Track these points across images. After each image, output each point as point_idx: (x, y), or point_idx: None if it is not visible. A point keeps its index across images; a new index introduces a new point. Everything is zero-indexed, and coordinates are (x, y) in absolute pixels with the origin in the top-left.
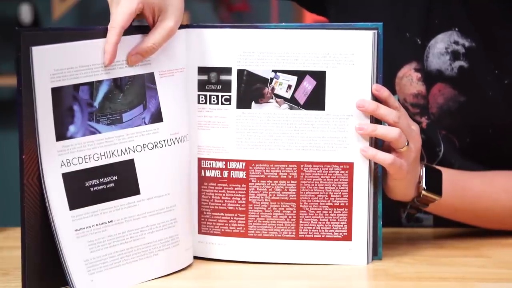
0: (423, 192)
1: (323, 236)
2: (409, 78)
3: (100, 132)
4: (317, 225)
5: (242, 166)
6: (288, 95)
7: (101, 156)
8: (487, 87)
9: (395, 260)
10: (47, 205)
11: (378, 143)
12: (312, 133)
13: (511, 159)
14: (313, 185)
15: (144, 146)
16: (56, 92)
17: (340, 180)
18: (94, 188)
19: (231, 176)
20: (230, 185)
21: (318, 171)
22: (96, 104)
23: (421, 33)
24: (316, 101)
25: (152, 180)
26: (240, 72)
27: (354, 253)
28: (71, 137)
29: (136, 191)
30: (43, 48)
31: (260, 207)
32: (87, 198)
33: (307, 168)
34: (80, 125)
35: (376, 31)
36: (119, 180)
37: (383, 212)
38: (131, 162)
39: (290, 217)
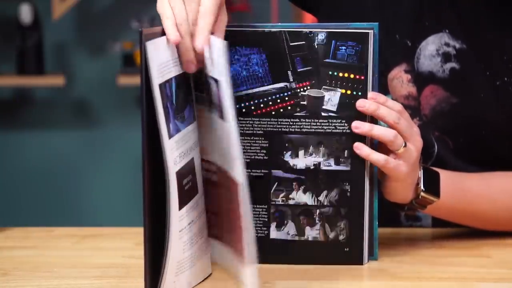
0: (422, 193)
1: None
2: (400, 79)
3: (180, 130)
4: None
5: None
6: None
7: (183, 154)
8: (479, 88)
9: (394, 260)
10: (168, 205)
11: (374, 143)
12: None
13: (505, 159)
14: None
15: (195, 144)
16: (161, 88)
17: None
18: (185, 188)
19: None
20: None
21: None
22: (174, 101)
23: (411, 35)
24: None
25: (199, 179)
26: None
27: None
28: (172, 135)
29: (196, 190)
30: (153, 42)
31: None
32: (184, 197)
33: None
34: (172, 122)
35: (372, 31)
36: (192, 179)
37: (381, 212)
38: (192, 161)
39: None
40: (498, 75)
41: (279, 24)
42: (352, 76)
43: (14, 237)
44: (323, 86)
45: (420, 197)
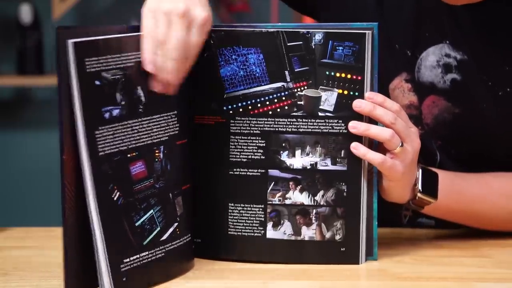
0: (419, 194)
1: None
2: (401, 89)
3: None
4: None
5: None
6: None
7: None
8: (481, 99)
9: (395, 260)
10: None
11: (373, 143)
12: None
13: (507, 169)
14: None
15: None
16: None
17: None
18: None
19: None
20: None
21: None
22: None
23: (411, 45)
24: None
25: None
26: None
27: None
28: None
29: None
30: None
31: None
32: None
33: None
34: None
35: (371, 31)
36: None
37: (384, 215)
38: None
39: None
40: (500, 86)
41: (278, 24)
42: (349, 76)
43: (14, 237)
44: (320, 86)
45: (417, 197)
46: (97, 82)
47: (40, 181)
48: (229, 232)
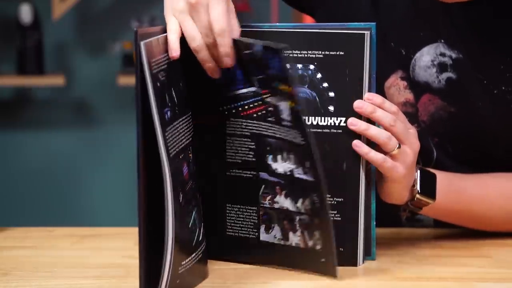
0: (417, 195)
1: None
2: (397, 87)
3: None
4: None
5: None
6: None
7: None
8: (476, 97)
9: (395, 260)
10: (165, 200)
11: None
12: None
13: (505, 166)
14: None
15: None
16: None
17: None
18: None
19: None
20: None
21: None
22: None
23: (406, 45)
24: None
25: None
26: None
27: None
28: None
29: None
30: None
31: None
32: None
33: None
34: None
35: (369, 32)
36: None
37: (383, 213)
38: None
39: None
40: (496, 84)
41: (277, 24)
42: (288, 88)
43: (14, 237)
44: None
45: (415, 198)
46: (158, 84)
47: (40, 181)
48: (227, 233)
